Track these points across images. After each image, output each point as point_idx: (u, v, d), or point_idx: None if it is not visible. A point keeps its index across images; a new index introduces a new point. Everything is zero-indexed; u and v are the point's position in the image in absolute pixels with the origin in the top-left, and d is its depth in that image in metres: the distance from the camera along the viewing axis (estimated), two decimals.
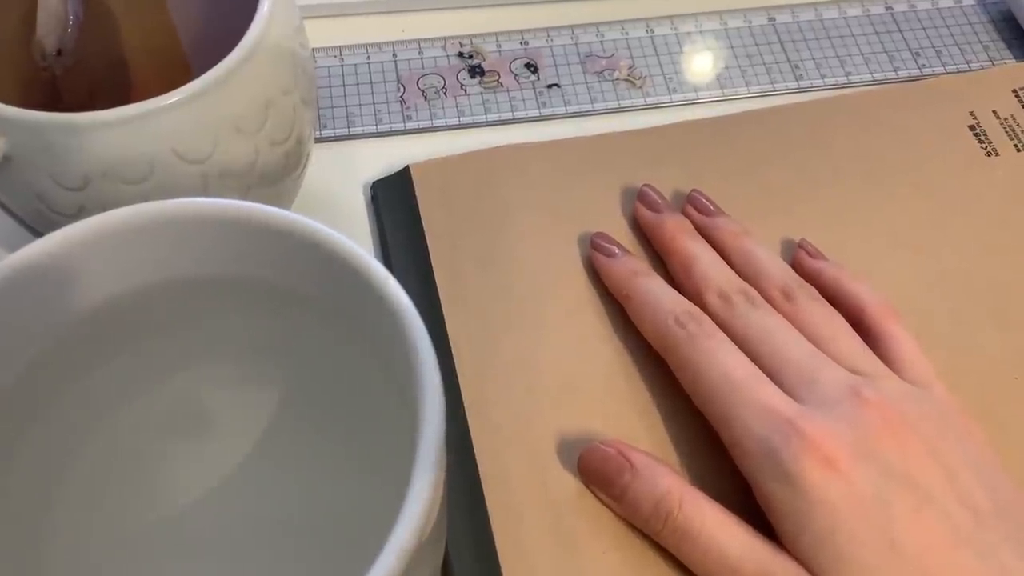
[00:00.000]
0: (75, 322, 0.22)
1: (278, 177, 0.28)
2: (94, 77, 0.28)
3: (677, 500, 0.25)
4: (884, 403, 0.25)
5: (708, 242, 0.31)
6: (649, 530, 0.26)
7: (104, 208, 0.21)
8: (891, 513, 0.23)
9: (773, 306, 0.28)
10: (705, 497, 0.25)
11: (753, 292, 0.29)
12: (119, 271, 0.22)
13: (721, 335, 0.27)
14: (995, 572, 0.23)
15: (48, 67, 0.27)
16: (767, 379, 0.26)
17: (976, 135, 0.36)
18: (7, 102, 0.23)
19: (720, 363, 0.26)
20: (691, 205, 0.32)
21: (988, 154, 0.35)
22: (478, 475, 0.27)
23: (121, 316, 0.22)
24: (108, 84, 0.28)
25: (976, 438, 0.26)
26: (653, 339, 0.29)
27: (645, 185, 0.33)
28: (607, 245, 0.31)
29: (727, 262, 0.30)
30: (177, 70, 0.29)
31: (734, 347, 0.27)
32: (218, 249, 0.22)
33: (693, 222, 0.32)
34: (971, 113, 0.36)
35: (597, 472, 0.27)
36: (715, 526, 0.24)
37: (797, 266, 0.31)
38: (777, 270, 0.30)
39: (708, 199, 0.32)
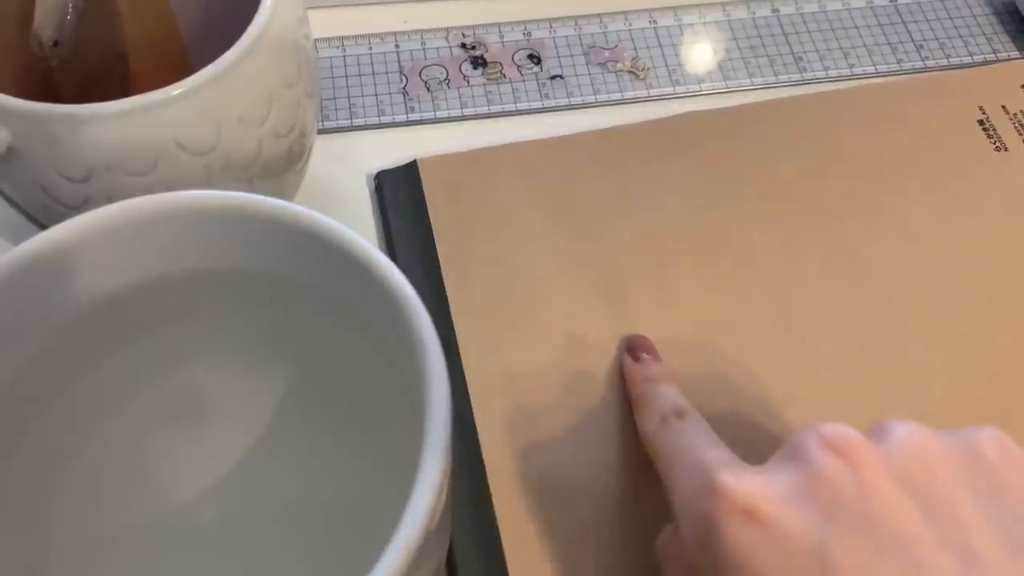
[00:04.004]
0: (78, 315, 0.22)
1: (281, 169, 0.28)
2: (91, 68, 0.28)
3: None
4: None
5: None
6: None
7: (109, 200, 0.21)
8: None
9: None
10: None
11: None
12: (123, 263, 0.22)
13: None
14: None
15: (45, 58, 0.27)
16: None
17: (985, 130, 0.36)
18: (3, 93, 0.23)
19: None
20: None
21: (997, 149, 0.35)
22: (484, 469, 0.27)
23: (125, 308, 0.22)
24: (105, 75, 0.28)
25: None
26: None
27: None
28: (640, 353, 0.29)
29: None
30: (175, 62, 0.28)
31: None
32: (222, 241, 0.22)
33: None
34: (980, 108, 0.36)
35: None
36: None
37: None
38: None
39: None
